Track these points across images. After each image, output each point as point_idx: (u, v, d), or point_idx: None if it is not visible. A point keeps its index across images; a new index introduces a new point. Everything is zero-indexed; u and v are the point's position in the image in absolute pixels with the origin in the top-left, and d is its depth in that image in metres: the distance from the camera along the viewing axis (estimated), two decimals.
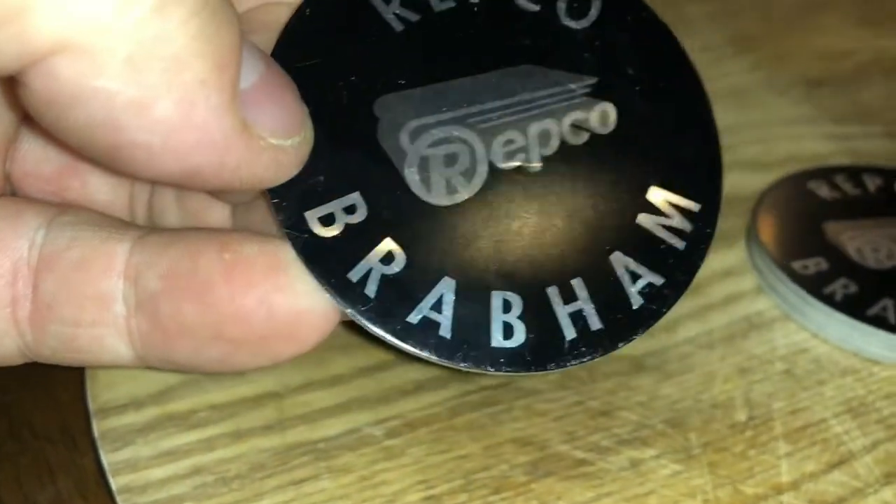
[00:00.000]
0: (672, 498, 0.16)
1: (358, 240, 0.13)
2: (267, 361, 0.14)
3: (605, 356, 0.14)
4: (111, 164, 0.12)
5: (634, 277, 0.14)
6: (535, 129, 0.14)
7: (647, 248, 0.14)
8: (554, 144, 0.14)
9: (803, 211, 0.22)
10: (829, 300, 0.19)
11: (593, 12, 0.14)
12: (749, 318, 0.20)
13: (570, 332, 0.13)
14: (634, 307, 0.14)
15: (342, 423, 0.17)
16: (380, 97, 0.13)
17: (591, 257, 0.14)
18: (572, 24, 0.14)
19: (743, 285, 0.21)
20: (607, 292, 0.13)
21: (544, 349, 0.13)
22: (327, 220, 0.13)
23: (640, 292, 0.14)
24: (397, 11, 0.14)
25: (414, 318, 0.13)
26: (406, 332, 0.13)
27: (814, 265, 0.20)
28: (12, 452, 0.19)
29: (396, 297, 0.13)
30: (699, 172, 0.14)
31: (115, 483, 0.16)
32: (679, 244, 0.14)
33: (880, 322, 0.19)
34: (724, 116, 0.26)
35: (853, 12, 0.32)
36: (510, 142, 0.14)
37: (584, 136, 0.14)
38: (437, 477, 0.16)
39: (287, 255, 0.13)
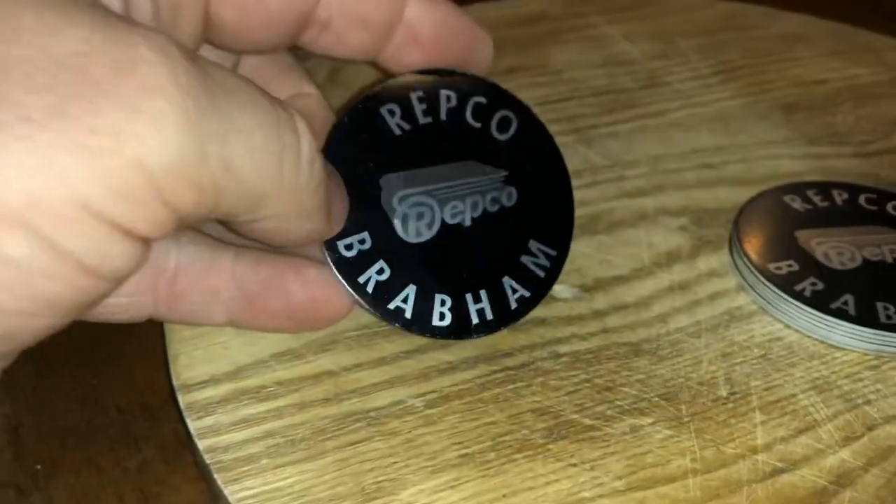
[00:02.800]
0: (665, 457, 0.19)
1: (365, 259, 0.21)
2: (311, 329, 0.22)
3: (499, 332, 0.22)
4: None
5: (514, 291, 0.22)
6: (469, 200, 0.22)
7: (523, 275, 0.22)
8: (479, 210, 0.22)
9: (779, 221, 0.25)
10: (798, 296, 0.22)
11: (512, 129, 0.22)
12: (731, 312, 0.23)
13: (475, 320, 0.22)
14: (512, 308, 0.22)
15: (389, 396, 0.21)
16: (383, 175, 0.21)
17: (492, 278, 0.22)
18: (498, 136, 0.22)
19: (726, 284, 0.24)
20: (498, 299, 0.22)
21: (460, 328, 0.22)
22: (349, 248, 0.21)
23: (516, 300, 0.22)
24: (398, 122, 0.21)
25: (392, 305, 0.21)
26: (387, 314, 0.21)
27: (786, 267, 0.23)
28: (103, 426, 0.22)
29: (384, 293, 0.21)
30: (558, 230, 0.23)
31: (201, 445, 0.19)
32: (541, 273, 0.22)
33: (842, 314, 0.22)
34: (712, 138, 0.30)
35: (827, 44, 0.36)
36: (455, 207, 0.22)
37: (497, 206, 0.22)
38: (470, 440, 0.20)
39: (331, 275, 0.21)
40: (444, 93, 0.21)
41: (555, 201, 0.23)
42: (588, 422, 0.20)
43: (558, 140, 0.30)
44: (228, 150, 0.14)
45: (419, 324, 0.21)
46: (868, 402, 0.21)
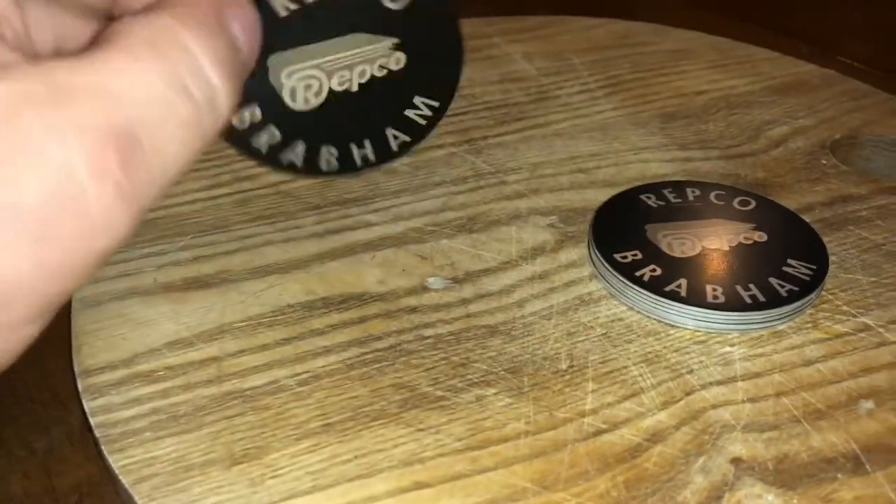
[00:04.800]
0: (502, 421, 0.22)
1: (256, 127, 0.23)
2: None
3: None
4: None
5: (396, 138, 0.24)
6: (357, 69, 0.23)
7: (405, 124, 0.24)
8: (367, 76, 0.23)
9: (632, 216, 0.28)
10: (638, 281, 0.25)
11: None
12: (581, 297, 0.26)
13: (359, 162, 0.24)
14: (394, 150, 0.24)
15: (265, 377, 0.23)
16: (271, 55, 0.22)
17: (378, 130, 0.24)
18: (391, 5, 0.23)
19: (581, 274, 0.27)
20: (380, 145, 0.24)
21: (345, 169, 0.24)
22: (241, 119, 0.22)
23: (398, 144, 0.24)
24: (284, 3, 0.22)
25: (284, 160, 0.23)
26: (279, 167, 0.23)
27: (631, 256, 0.26)
28: (15, 414, 0.25)
29: (277, 152, 0.23)
30: (444, 85, 0.24)
31: (93, 421, 0.22)
32: (422, 121, 0.24)
33: (674, 296, 0.25)
34: (589, 145, 0.33)
35: (709, 58, 0.39)
36: (342, 76, 0.23)
37: (385, 72, 0.23)
38: (333, 411, 0.22)
39: None
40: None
41: (443, 61, 0.24)
42: (440, 393, 0.23)
43: (451, 150, 0.33)
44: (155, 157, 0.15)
45: (311, 171, 0.24)
46: (691, 372, 0.23)
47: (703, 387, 0.23)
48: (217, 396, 0.23)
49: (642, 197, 0.29)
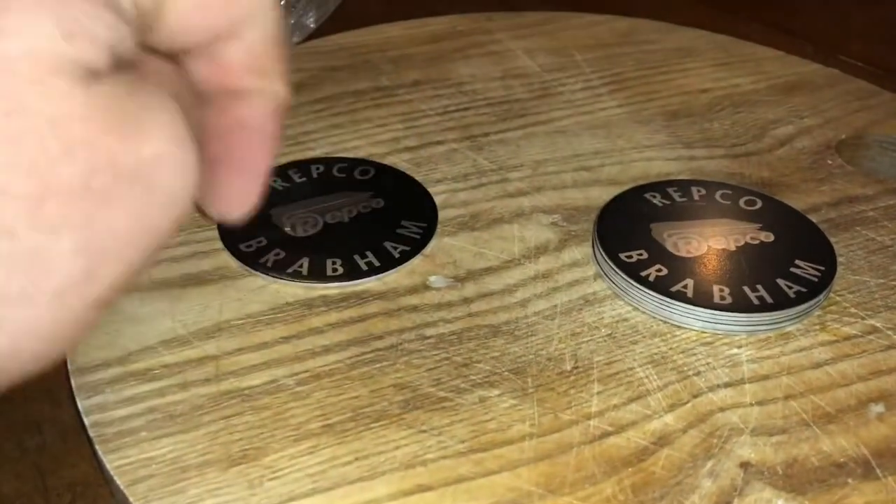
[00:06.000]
0: (507, 423, 0.21)
1: (263, 250, 0.27)
2: None
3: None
4: None
5: (395, 248, 0.27)
6: (346, 209, 0.29)
7: (401, 239, 0.27)
8: (355, 212, 0.28)
9: (637, 215, 0.27)
10: (643, 281, 0.25)
11: (370, 174, 0.30)
12: (585, 297, 0.25)
13: (364, 268, 0.26)
14: (396, 258, 0.27)
15: (264, 377, 0.23)
16: (271, 210, 0.28)
17: (375, 244, 0.27)
18: (360, 178, 0.30)
19: (585, 273, 0.26)
20: (383, 255, 0.27)
21: (352, 275, 0.26)
22: (248, 246, 0.27)
23: (398, 252, 0.27)
24: (276, 180, 0.30)
25: (290, 270, 0.26)
26: (286, 276, 0.26)
27: (637, 255, 0.26)
28: (6, 410, 0.24)
29: (282, 265, 0.26)
30: (423, 212, 0.29)
31: (87, 420, 0.21)
32: (417, 235, 0.28)
33: (681, 296, 0.24)
34: (593, 143, 0.33)
35: (714, 56, 0.39)
36: (334, 215, 0.28)
37: (369, 209, 0.29)
38: (333, 412, 0.22)
39: None
40: (313, 167, 0.30)
41: (415, 201, 0.29)
42: (442, 394, 0.22)
43: (452, 146, 0.32)
44: None
45: (315, 277, 0.26)
46: (698, 374, 0.23)
47: (711, 389, 0.23)
48: (214, 396, 0.22)
49: (647, 195, 0.28)
